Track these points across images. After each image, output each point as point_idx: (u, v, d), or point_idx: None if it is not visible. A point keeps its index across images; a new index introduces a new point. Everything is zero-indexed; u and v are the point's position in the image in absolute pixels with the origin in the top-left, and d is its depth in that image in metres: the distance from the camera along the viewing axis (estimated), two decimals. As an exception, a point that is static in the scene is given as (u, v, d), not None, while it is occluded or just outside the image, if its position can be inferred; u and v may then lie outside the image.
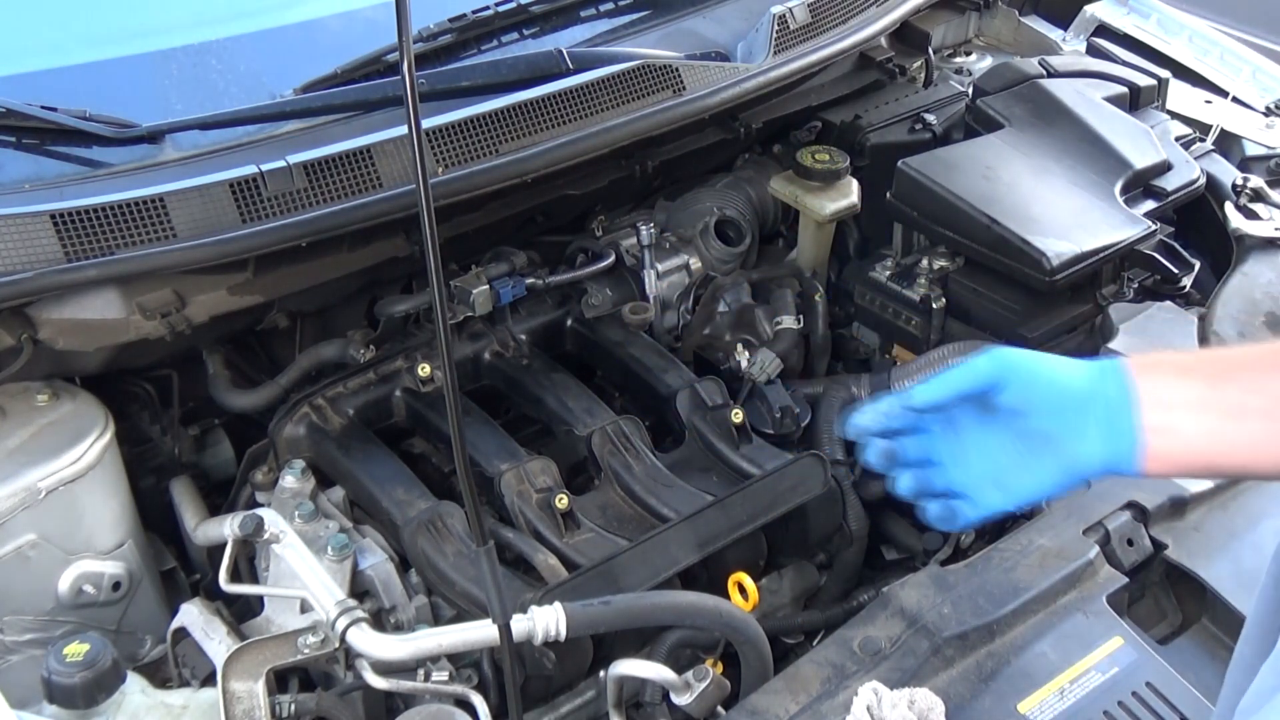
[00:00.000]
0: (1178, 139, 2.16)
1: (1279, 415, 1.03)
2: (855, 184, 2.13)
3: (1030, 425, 1.11)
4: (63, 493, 1.58)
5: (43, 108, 1.66)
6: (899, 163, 2.00)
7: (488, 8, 1.98)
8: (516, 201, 1.90)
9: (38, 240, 1.51)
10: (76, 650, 1.34)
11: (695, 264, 2.10)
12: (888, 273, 2.05)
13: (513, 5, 1.99)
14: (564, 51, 1.86)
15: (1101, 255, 1.86)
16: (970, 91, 2.27)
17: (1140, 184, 2.02)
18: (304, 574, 1.52)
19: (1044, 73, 2.22)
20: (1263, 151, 2.21)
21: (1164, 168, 2.04)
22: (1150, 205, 1.99)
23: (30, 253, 1.50)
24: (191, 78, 1.82)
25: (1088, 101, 2.14)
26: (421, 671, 1.44)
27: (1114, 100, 2.17)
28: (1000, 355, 1.13)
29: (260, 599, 1.62)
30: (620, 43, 2.02)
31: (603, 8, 2.11)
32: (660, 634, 1.53)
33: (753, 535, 1.66)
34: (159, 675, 1.63)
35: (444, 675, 1.44)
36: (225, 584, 1.60)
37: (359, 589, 1.58)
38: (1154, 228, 1.92)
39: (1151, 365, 1.09)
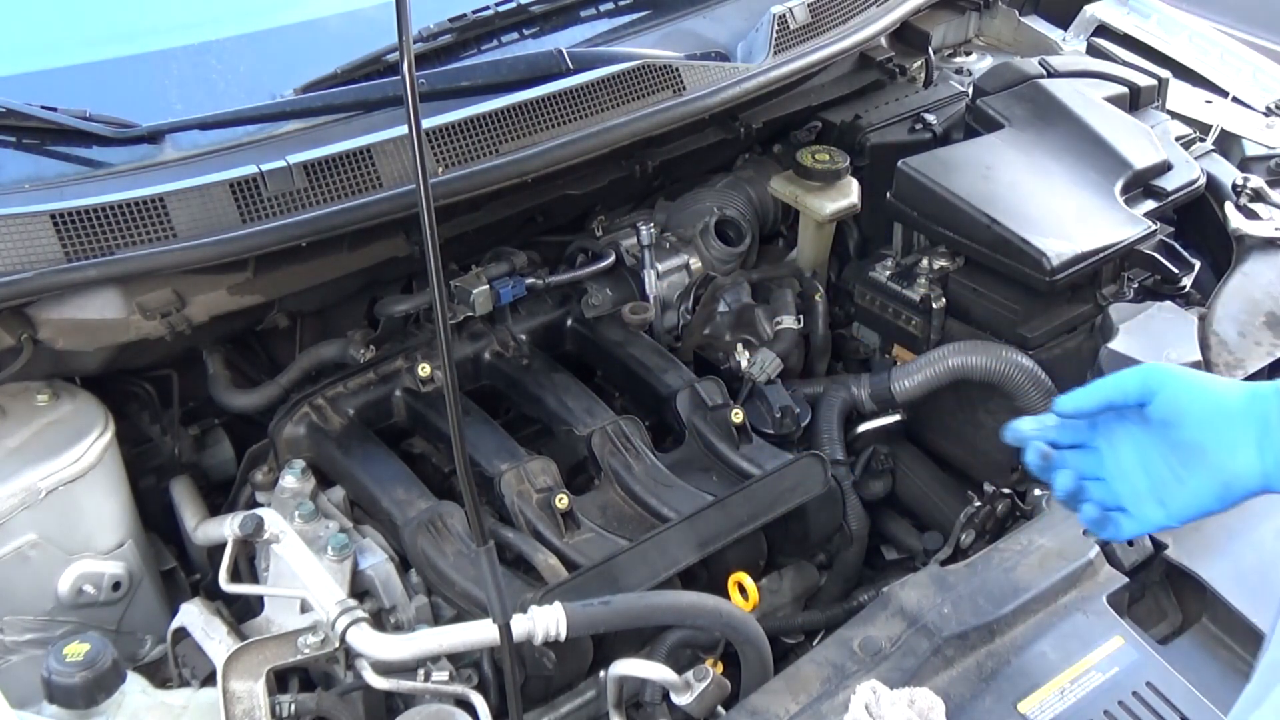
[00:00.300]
0: (1178, 139, 2.16)
1: None
2: (855, 184, 2.14)
3: (1183, 437, 1.13)
4: (63, 492, 1.58)
5: (43, 108, 1.66)
6: (899, 163, 2.00)
7: (488, 7, 1.98)
8: (516, 201, 1.90)
9: (38, 240, 1.51)
10: (76, 650, 1.34)
11: (695, 264, 2.10)
12: (888, 273, 2.05)
13: (513, 5, 1.99)
14: (564, 51, 1.86)
15: (1101, 255, 1.86)
16: (970, 91, 2.27)
17: (1140, 184, 2.02)
18: (304, 574, 1.52)
19: (1044, 73, 2.22)
20: (1263, 151, 2.21)
21: (1164, 168, 2.04)
22: (1150, 205, 1.99)
23: (30, 253, 1.50)
24: (191, 78, 1.82)
25: (1088, 101, 2.14)
26: (421, 671, 1.44)
27: (1114, 100, 2.18)
28: (1150, 368, 1.17)
29: (260, 599, 1.62)
30: (620, 43, 2.02)
31: (603, 8, 2.11)
32: (660, 634, 1.53)
33: (753, 535, 1.66)
34: (159, 675, 1.63)
35: (444, 675, 1.44)
36: (225, 584, 1.60)
37: (359, 589, 1.58)
38: (1154, 228, 1.92)
39: None
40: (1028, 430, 1.25)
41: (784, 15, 2.04)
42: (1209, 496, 1.13)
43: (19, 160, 1.65)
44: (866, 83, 2.31)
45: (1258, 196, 2.07)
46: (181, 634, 1.60)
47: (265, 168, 1.61)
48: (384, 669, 1.43)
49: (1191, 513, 1.15)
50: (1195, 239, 2.09)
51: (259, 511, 1.60)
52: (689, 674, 1.41)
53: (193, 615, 1.58)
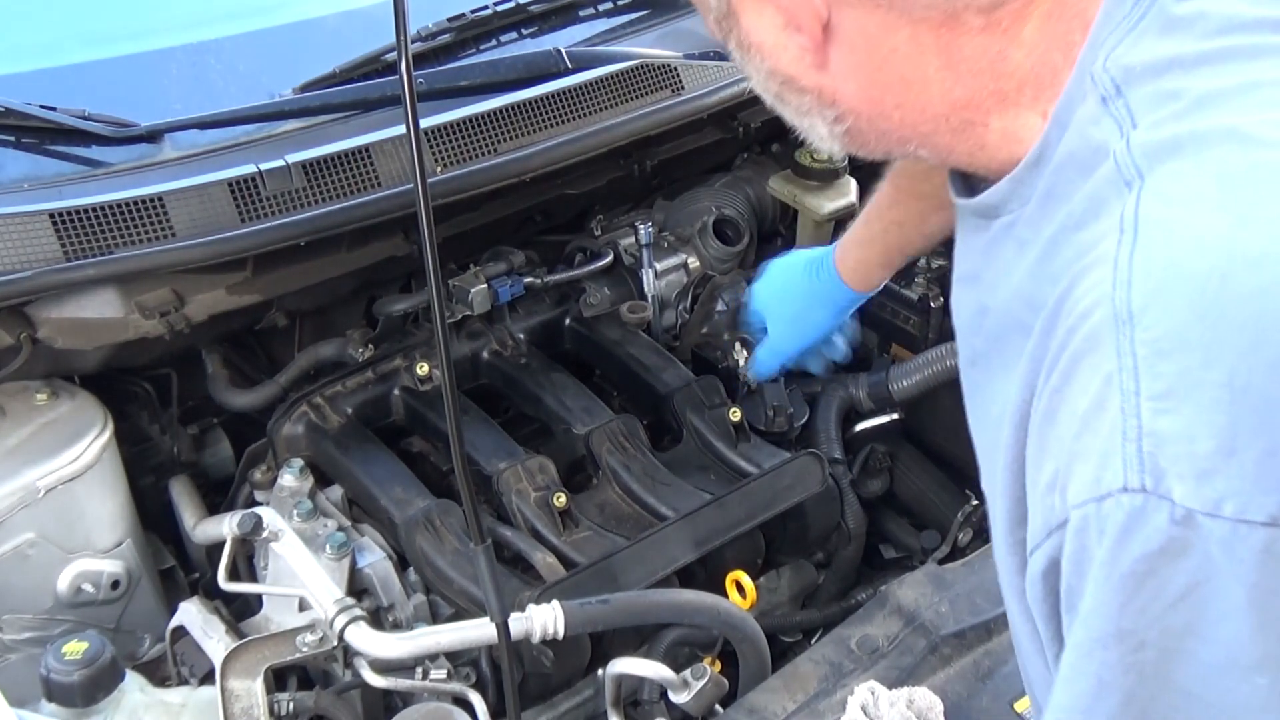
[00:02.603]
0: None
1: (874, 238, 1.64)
2: (854, 183, 2.14)
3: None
4: (62, 491, 1.58)
5: (42, 107, 1.65)
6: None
7: (486, 7, 1.98)
8: (515, 201, 1.90)
9: (37, 239, 1.51)
10: (75, 649, 1.34)
11: (693, 263, 2.10)
12: (886, 272, 2.05)
13: (511, 4, 1.99)
14: (562, 51, 1.86)
15: (1099, 254, 1.86)
16: (968, 91, 2.27)
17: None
18: (302, 572, 1.52)
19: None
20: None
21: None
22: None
23: (29, 252, 1.50)
24: (191, 77, 1.82)
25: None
26: (420, 670, 1.45)
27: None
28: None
29: (259, 597, 1.62)
30: (619, 42, 2.02)
31: (601, 7, 2.11)
32: (658, 632, 1.53)
33: (751, 533, 1.66)
34: (158, 674, 1.63)
35: (442, 673, 1.45)
36: (224, 583, 1.60)
37: (357, 587, 1.58)
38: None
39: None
40: None
41: (783, 15, 2.04)
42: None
43: (18, 160, 1.65)
44: (865, 82, 2.31)
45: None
46: (180, 632, 1.60)
47: (264, 167, 1.61)
48: (382, 667, 1.43)
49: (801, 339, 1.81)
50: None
51: (257, 510, 1.60)
52: (687, 672, 1.41)
53: (191, 614, 1.58)
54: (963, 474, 1.99)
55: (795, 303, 1.76)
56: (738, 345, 1.98)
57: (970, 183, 0.96)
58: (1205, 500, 0.67)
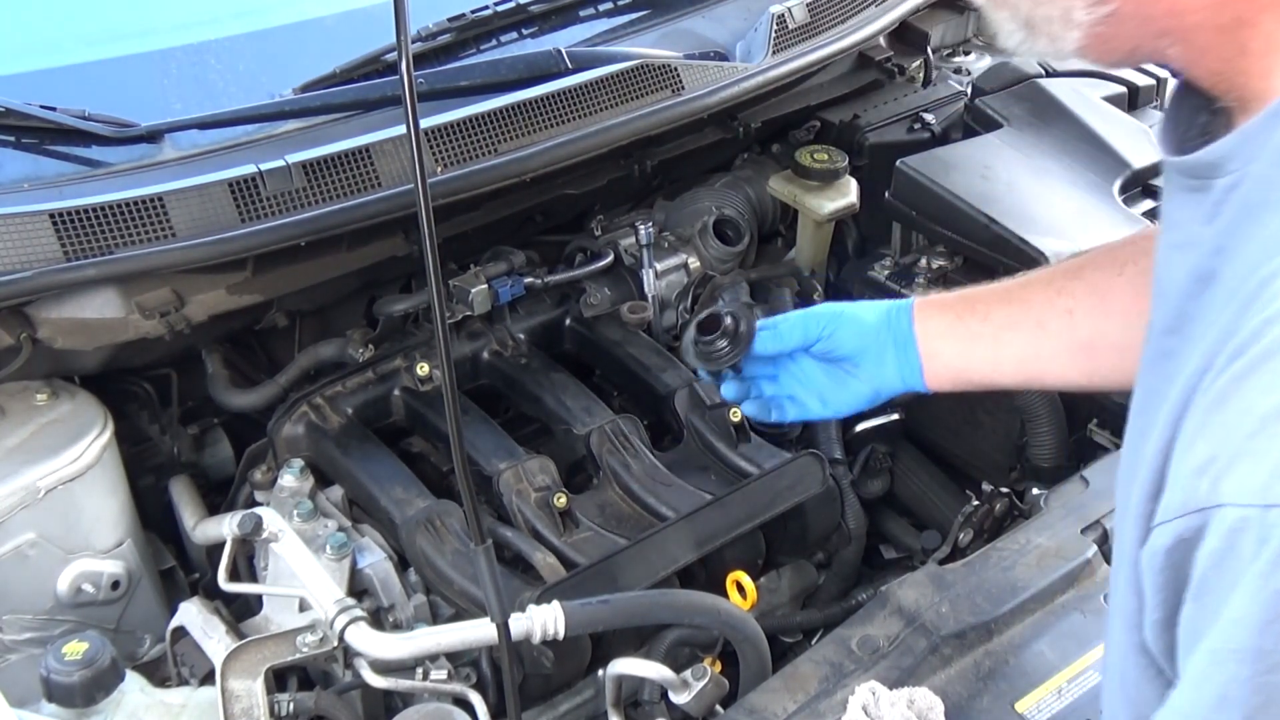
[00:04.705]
0: (1176, 138, 2.16)
1: (1003, 339, 1.32)
2: (854, 183, 2.14)
3: (841, 357, 1.41)
4: (62, 492, 1.58)
5: (42, 107, 1.66)
6: (898, 162, 2.00)
7: (487, 7, 1.98)
8: (515, 201, 1.90)
9: (37, 239, 1.51)
10: (75, 649, 1.34)
11: (694, 263, 2.10)
12: (886, 272, 2.05)
13: (512, 5, 1.99)
14: (563, 51, 1.86)
15: (1100, 255, 1.86)
16: (969, 91, 2.27)
17: (1139, 183, 2.02)
18: (302, 573, 1.52)
19: (1043, 72, 2.22)
20: (1261, 151, 2.20)
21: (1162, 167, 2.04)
22: (1149, 205, 1.99)
23: (29, 252, 1.50)
24: (190, 77, 1.82)
25: (1086, 101, 2.14)
26: (420, 670, 1.45)
27: (1113, 99, 2.17)
28: (822, 313, 1.42)
29: (259, 598, 1.62)
30: (619, 42, 2.02)
31: (602, 7, 2.11)
32: (659, 633, 1.53)
33: (751, 534, 1.66)
34: (158, 674, 1.63)
35: (442, 674, 1.45)
36: (224, 583, 1.60)
37: (357, 588, 1.58)
38: (1152, 227, 1.92)
39: (926, 303, 1.38)
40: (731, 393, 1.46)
41: (783, 15, 2.04)
42: (863, 400, 1.42)
43: (18, 160, 1.65)
44: (865, 82, 2.31)
45: (1256, 196, 2.07)
46: (180, 633, 1.60)
47: (264, 167, 1.61)
48: (382, 668, 1.43)
49: (848, 411, 1.45)
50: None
51: (258, 511, 1.60)
52: (687, 673, 1.41)
53: (191, 614, 1.58)
54: (963, 474, 2.00)
55: (858, 365, 1.41)
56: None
57: (1184, 138, 0.88)
58: None
